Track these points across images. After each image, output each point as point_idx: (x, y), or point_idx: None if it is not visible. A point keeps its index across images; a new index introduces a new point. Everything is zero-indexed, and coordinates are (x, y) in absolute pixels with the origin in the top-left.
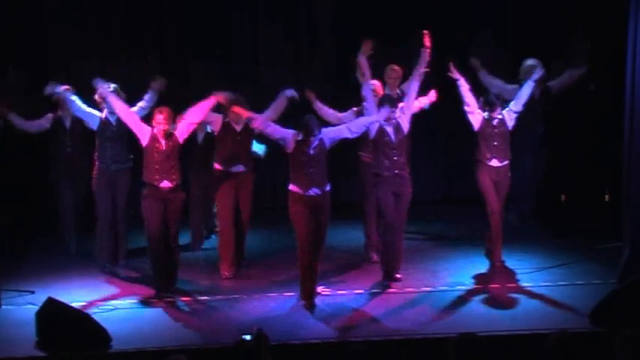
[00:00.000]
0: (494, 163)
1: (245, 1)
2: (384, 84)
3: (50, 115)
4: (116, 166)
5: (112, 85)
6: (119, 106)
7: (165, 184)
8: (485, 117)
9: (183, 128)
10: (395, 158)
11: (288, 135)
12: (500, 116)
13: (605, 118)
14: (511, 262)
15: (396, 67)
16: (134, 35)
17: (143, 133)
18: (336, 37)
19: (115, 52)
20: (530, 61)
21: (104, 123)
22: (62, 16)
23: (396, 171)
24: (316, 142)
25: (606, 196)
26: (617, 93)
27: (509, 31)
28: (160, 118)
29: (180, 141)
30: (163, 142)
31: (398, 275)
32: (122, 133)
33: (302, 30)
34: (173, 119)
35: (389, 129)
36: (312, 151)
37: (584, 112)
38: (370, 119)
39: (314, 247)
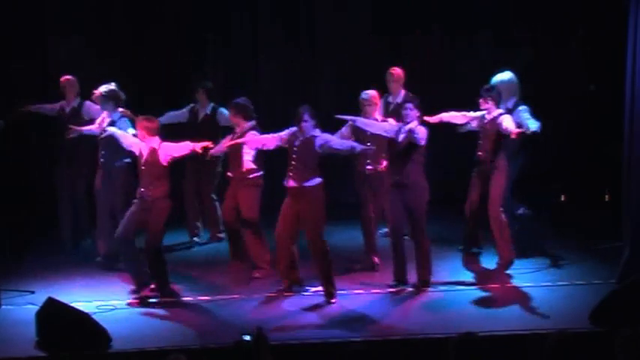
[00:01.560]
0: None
1: (245, 1)
2: (381, 92)
3: (57, 105)
4: (111, 164)
5: (112, 85)
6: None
7: (146, 193)
8: (479, 115)
9: (167, 155)
10: (399, 166)
11: (283, 136)
12: (493, 115)
13: (605, 118)
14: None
15: (396, 70)
16: (134, 35)
17: (136, 148)
18: (336, 36)
19: (115, 52)
20: (502, 77)
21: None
22: (62, 15)
23: (397, 177)
24: (304, 137)
25: (606, 196)
26: (617, 93)
27: (509, 31)
28: (142, 124)
29: (164, 163)
30: (145, 153)
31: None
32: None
33: (302, 30)
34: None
35: (400, 136)
36: (297, 143)
37: (584, 112)
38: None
39: (288, 235)
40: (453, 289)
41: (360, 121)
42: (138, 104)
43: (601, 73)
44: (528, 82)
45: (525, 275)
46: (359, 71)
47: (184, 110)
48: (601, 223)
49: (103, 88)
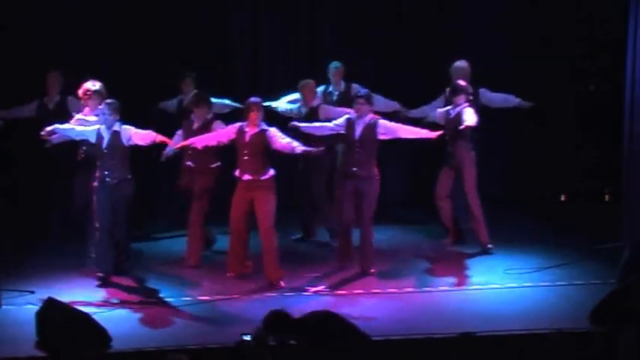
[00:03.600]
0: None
1: (245, 1)
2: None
3: (35, 103)
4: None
5: (98, 84)
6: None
7: (110, 179)
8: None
9: (132, 139)
10: (356, 156)
11: (229, 131)
12: (458, 110)
13: (605, 118)
14: (511, 262)
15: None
16: (134, 35)
17: (89, 135)
18: (336, 35)
19: (114, 51)
20: (459, 63)
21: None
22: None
23: (355, 168)
24: (256, 130)
25: (606, 196)
26: (617, 93)
27: (508, 32)
28: (105, 108)
29: (126, 144)
30: (105, 140)
31: (372, 270)
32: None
33: (302, 30)
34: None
35: (357, 127)
36: (247, 137)
37: (584, 112)
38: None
39: (242, 227)
40: (453, 289)
41: (308, 127)
42: (135, 104)
43: (601, 73)
44: (529, 81)
45: (525, 275)
46: (359, 70)
47: (173, 101)
48: (601, 223)
49: (90, 85)
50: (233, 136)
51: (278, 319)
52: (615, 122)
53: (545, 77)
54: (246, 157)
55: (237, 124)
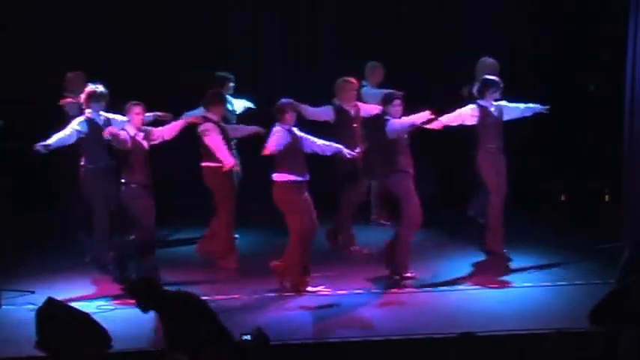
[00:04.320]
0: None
1: (245, 1)
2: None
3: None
4: (106, 164)
5: (100, 86)
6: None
7: (149, 181)
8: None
9: (162, 136)
10: (408, 157)
11: (283, 137)
12: (496, 105)
13: (605, 118)
14: (511, 262)
15: (353, 80)
16: (134, 35)
17: (124, 140)
18: (336, 35)
19: (114, 51)
20: (489, 60)
21: (91, 124)
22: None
23: (410, 169)
24: (298, 134)
25: (606, 196)
26: (618, 93)
27: (508, 32)
28: (138, 109)
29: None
30: (145, 142)
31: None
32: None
33: (302, 30)
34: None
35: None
36: (302, 138)
37: (584, 112)
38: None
39: (314, 232)
40: (453, 289)
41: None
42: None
43: (601, 73)
44: (529, 81)
45: (525, 275)
46: (360, 70)
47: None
48: (601, 223)
49: (94, 87)
50: (289, 139)
51: (148, 284)
52: (615, 122)
53: (545, 77)
54: (301, 158)
55: (281, 128)
